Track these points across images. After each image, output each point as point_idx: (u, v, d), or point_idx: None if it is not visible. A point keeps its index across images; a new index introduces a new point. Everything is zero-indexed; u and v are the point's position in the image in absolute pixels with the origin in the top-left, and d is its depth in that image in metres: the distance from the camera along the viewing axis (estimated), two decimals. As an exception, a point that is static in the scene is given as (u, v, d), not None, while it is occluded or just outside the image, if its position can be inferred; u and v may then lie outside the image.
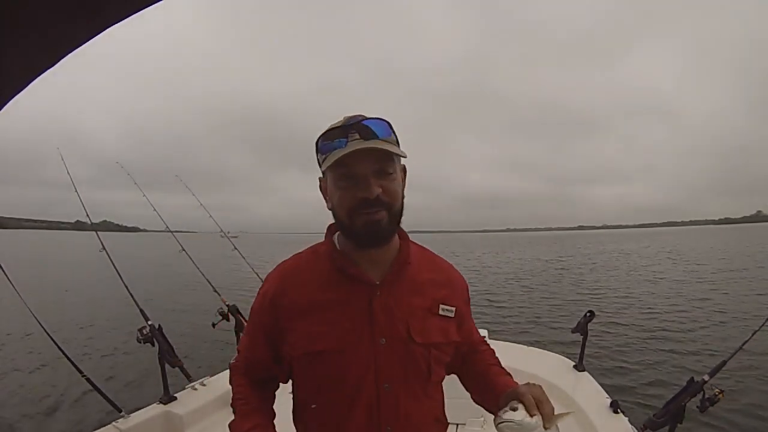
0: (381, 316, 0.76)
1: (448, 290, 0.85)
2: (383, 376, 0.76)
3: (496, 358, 0.97)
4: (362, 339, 0.75)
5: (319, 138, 0.76)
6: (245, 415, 0.84)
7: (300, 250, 0.88)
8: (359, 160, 0.71)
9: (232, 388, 0.89)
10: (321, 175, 0.81)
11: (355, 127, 0.71)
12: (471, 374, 0.93)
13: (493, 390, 0.83)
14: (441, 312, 0.81)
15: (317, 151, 0.77)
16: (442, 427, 0.89)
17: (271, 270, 0.87)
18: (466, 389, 0.95)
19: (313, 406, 0.80)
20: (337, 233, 0.83)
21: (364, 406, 0.76)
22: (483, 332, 2.46)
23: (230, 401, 2.42)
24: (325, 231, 0.86)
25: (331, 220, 0.81)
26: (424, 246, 0.89)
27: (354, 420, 0.76)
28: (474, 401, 0.92)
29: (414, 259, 0.82)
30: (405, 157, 0.76)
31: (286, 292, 0.80)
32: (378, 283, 0.77)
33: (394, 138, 0.75)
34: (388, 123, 0.74)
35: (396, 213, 0.75)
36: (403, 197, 0.77)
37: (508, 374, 0.91)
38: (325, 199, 0.81)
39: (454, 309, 0.83)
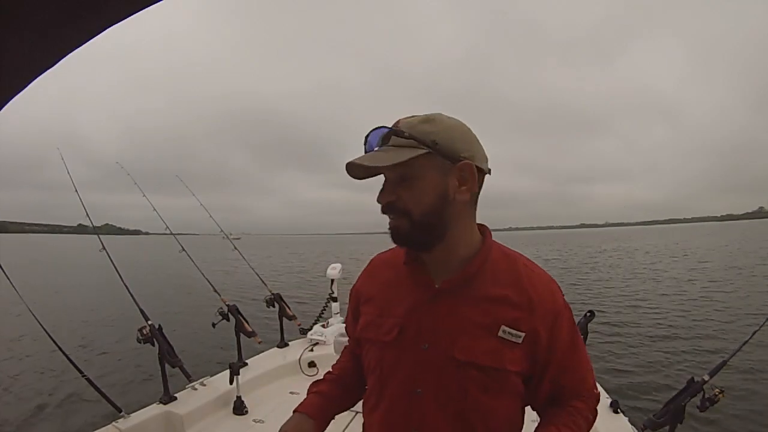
0: (429, 321, 0.74)
1: (522, 313, 0.73)
2: (418, 380, 0.74)
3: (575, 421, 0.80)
4: (405, 338, 0.75)
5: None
6: (320, 382, 0.94)
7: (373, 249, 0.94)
8: (382, 168, 0.72)
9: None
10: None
11: (366, 138, 0.74)
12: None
13: None
14: (501, 334, 0.72)
15: None
16: None
17: (372, 260, 0.94)
18: None
19: (368, 386, 0.85)
20: None
21: (391, 401, 0.77)
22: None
23: (232, 401, 2.41)
24: None
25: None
26: (524, 256, 0.81)
27: (381, 410, 0.79)
28: None
29: (490, 269, 0.75)
30: (384, 164, 0.69)
31: (365, 281, 0.89)
32: (437, 287, 0.75)
33: (408, 140, 0.69)
34: (390, 128, 0.72)
35: (419, 220, 0.71)
36: (450, 200, 0.71)
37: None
38: None
39: (523, 335, 0.72)
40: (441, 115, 0.71)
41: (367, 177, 0.74)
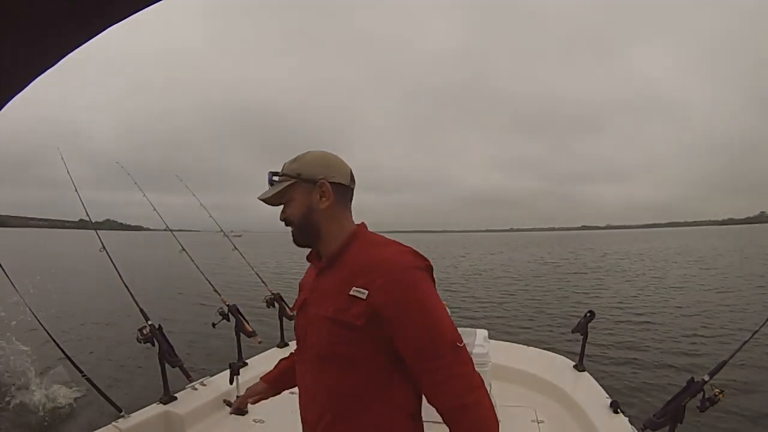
0: (315, 290, 1.01)
1: (369, 277, 0.92)
2: (308, 337, 1.01)
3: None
4: (306, 307, 1.03)
5: None
6: (285, 358, 1.23)
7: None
8: (270, 198, 1.02)
9: None
10: None
11: (269, 176, 1.03)
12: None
13: None
14: (352, 292, 0.92)
15: None
16: (336, 401, 0.96)
17: None
18: None
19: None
20: None
21: (300, 357, 1.05)
22: (483, 332, 2.47)
23: (232, 401, 2.40)
24: None
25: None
26: (392, 240, 1.01)
27: (297, 366, 1.07)
28: None
29: (352, 251, 0.99)
30: (262, 198, 1.02)
31: (304, 277, 1.13)
32: (320, 267, 1.03)
33: (284, 176, 1.01)
34: (274, 173, 1.03)
35: (299, 227, 1.01)
36: (315, 209, 0.99)
37: None
38: None
39: (367, 292, 0.90)
40: (308, 153, 1.02)
41: (275, 204, 1.03)
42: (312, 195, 0.99)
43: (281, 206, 1.04)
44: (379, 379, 0.93)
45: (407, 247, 0.98)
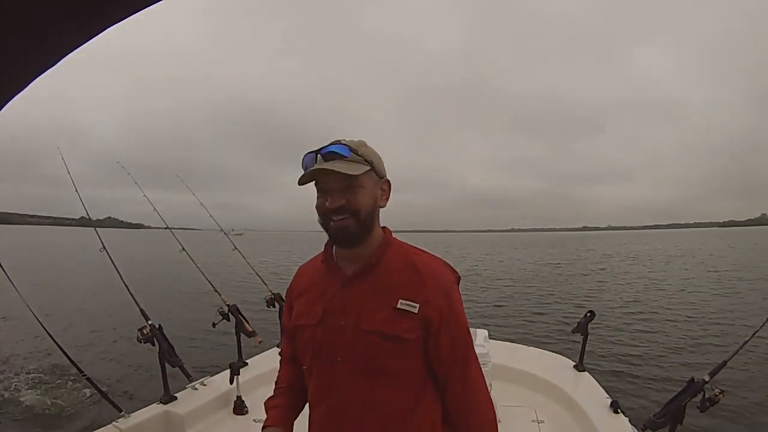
0: (344, 302, 0.92)
1: (416, 288, 0.91)
2: (336, 351, 0.92)
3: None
4: (328, 319, 0.93)
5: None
6: (273, 397, 1.10)
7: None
8: (328, 178, 0.89)
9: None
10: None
11: (322, 150, 0.90)
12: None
13: None
14: (399, 306, 0.89)
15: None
16: (392, 420, 0.91)
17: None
18: None
19: (305, 367, 1.00)
20: None
21: (319, 372, 0.96)
22: (483, 332, 2.46)
23: (232, 401, 2.41)
24: None
25: None
26: (420, 248, 0.99)
27: (314, 381, 0.97)
28: None
29: (388, 260, 0.94)
30: (352, 173, 0.88)
31: (296, 282, 1.06)
32: (348, 275, 0.94)
33: (359, 158, 0.90)
34: (349, 146, 0.90)
35: (363, 219, 0.90)
36: (377, 206, 0.94)
37: None
38: None
39: (417, 305, 0.89)
40: (365, 143, 0.94)
41: (311, 181, 0.91)
42: (376, 189, 0.94)
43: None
44: (419, 391, 0.93)
45: (438, 257, 0.99)
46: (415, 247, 0.99)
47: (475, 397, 0.96)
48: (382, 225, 0.98)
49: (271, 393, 1.12)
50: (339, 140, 0.92)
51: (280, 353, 1.16)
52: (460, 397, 0.94)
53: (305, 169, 0.91)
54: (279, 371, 1.14)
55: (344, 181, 0.88)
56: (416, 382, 0.92)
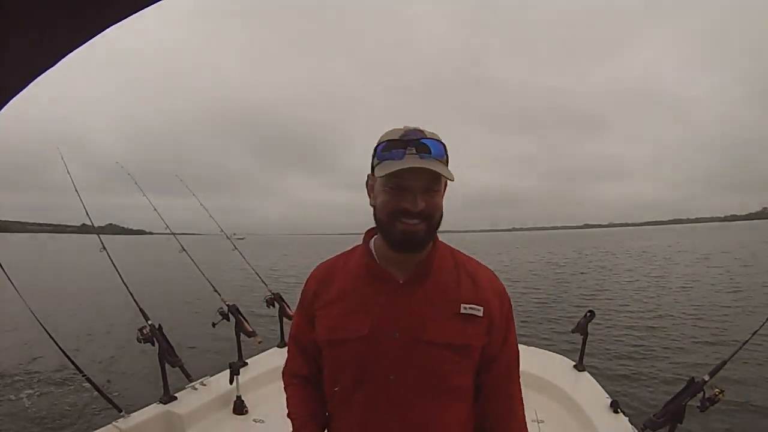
0: (401, 312, 0.81)
1: (475, 291, 0.85)
2: (391, 368, 0.81)
3: None
4: (379, 331, 0.81)
5: (380, 143, 0.81)
6: (307, 400, 0.94)
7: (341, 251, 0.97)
8: (412, 175, 0.77)
9: (286, 399, 0.97)
10: (370, 173, 0.85)
11: (414, 143, 0.77)
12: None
13: None
14: (463, 310, 0.82)
15: (374, 153, 0.83)
16: None
17: (315, 267, 0.96)
18: None
19: (336, 389, 0.87)
20: (375, 237, 0.90)
21: (367, 393, 0.82)
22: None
23: (232, 401, 2.40)
24: (364, 235, 0.93)
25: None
26: (466, 254, 0.93)
27: (358, 404, 0.83)
28: None
29: (441, 264, 0.86)
30: (452, 180, 0.79)
31: (318, 288, 0.90)
32: (401, 282, 0.83)
33: (446, 158, 0.80)
34: (443, 144, 0.80)
35: (434, 225, 0.81)
36: (441, 210, 0.84)
37: None
38: (369, 195, 0.87)
39: (481, 308, 0.83)
40: None
41: (423, 189, 0.79)
42: (444, 191, 0.84)
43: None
44: (470, 406, 0.87)
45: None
46: (456, 249, 0.93)
47: (515, 420, 0.89)
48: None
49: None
50: (420, 129, 0.80)
51: (284, 373, 0.99)
52: (501, 418, 0.88)
53: (385, 159, 0.78)
54: (290, 398, 0.96)
55: (430, 183, 0.79)
56: (470, 396, 0.86)
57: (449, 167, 0.81)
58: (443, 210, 0.83)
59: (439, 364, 0.80)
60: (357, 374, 0.82)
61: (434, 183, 0.79)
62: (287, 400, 0.96)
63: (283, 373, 1.01)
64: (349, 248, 0.96)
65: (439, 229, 0.84)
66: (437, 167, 0.76)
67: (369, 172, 0.86)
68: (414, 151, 0.77)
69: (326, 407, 0.93)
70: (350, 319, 0.83)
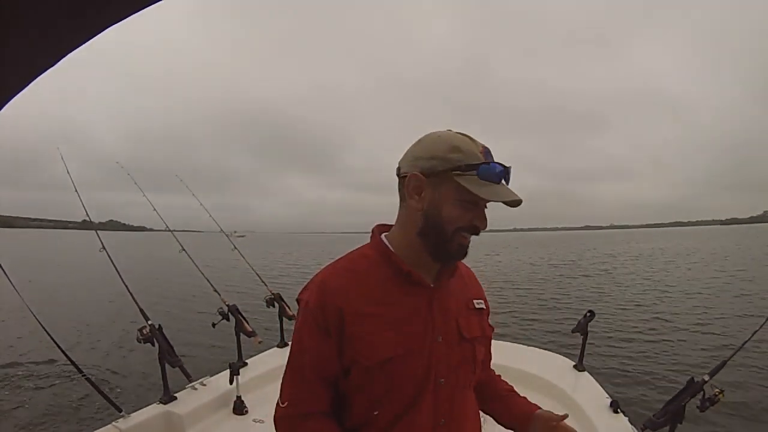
0: (438, 316, 0.82)
1: (473, 287, 0.94)
2: (439, 372, 0.81)
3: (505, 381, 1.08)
4: (424, 339, 0.80)
5: (478, 163, 0.77)
6: None
7: (345, 254, 0.88)
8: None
9: None
10: (418, 173, 0.79)
11: (508, 171, 0.79)
12: (486, 388, 1.01)
13: (513, 410, 0.98)
14: (476, 306, 0.90)
15: (460, 163, 0.77)
16: (479, 421, 0.94)
17: (322, 275, 0.84)
18: (479, 402, 0.99)
19: (376, 413, 0.79)
20: (385, 234, 0.87)
21: (423, 403, 0.80)
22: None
23: (232, 401, 2.38)
24: (372, 233, 0.89)
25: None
26: None
27: (415, 417, 0.79)
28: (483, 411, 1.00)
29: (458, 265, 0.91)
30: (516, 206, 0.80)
31: (349, 297, 0.79)
32: (432, 286, 0.84)
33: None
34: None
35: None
36: None
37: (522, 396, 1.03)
38: (410, 195, 0.80)
39: (482, 300, 0.93)
40: None
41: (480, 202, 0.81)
42: None
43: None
44: None
45: None
46: None
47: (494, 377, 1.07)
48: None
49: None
50: (488, 148, 0.80)
51: (286, 415, 0.81)
52: (488, 378, 1.04)
53: (487, 178, 0.77)
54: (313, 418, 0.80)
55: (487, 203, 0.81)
56: None
57: None
58: None
59: (473, 358, 0.86)
60: (414, 388, 0.78)
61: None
62: None
63: (281, 416, 0.82)
64: (356, 249, 0.89)
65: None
66: (518, 196, 0.78)
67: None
68: (508, 178, 0.79)
69: None
70: (398, 332, 0.78)
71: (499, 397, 1.01)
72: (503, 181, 0.78)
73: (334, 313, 0.77)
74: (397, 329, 0.78)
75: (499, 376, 1.08)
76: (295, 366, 0.82)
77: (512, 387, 1.05)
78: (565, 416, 0.90)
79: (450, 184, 0.77)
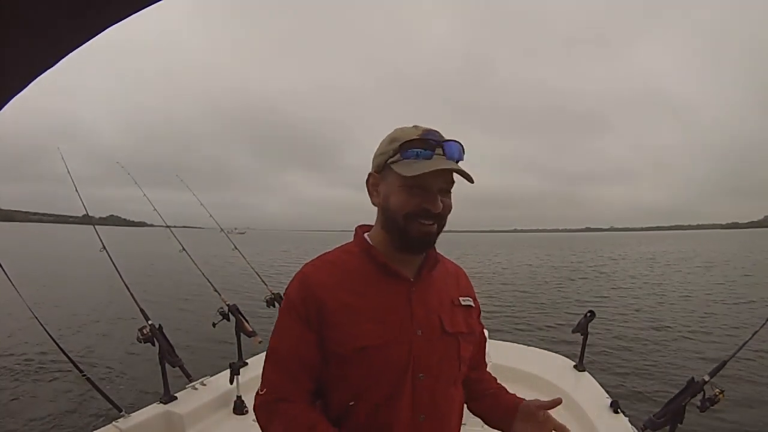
0: (418, 309, 0.82)
1: (460, 284, 0.94)
2: (419, 366, 0.80)
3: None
4: (403, 332, 0.80)
5: (397, 140, 0.80)
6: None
7: (327, 250, 0.90)
8: (434, 176, 0.77)
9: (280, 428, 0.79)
10: (373, 171, 0.85)
11: (441, 145, 0.79)
12: (477, 388, 1.00)
13: (501, 405, 0.95)
14: (463, 303, 0.89)
15: (390, 151, 0.81)
16: (462, 415, 0.94)
17: (305, 268, 0.86)
18: (469, 401, 0.99)
19: (351, 403, 0.80)
20: (367, 233, 0.89)
21: (402, 396, 0.79)
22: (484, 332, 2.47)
23: (232, 401, 2.39)
24: (355, 231, 0.92)
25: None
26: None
27: (393, 410, 0.79)
28: (471, 411, 1.00)
29: (440, 260, 0.92)
30: (472, 183, 0.78)
31: (329, 289, 0.81)
32: (412, 279, 0.84)
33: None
34: (463, 147, 0.81)
35: (443, 226, 0.83)
36: None
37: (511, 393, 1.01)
38: (371, 193, 0.86)
39: (471, 298, 0.92)
40: None
41: (445, 187, 0.80)
42: None
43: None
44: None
45: None
46: None
47: (486, 373, 1.06)
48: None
49: None
50: (436, 131, 0.80)
51: (264, 402, 0.81)
52: (479, 373, 1.02)
53: (411, 157, 0.78)
54: (293, 419, 0.78)
55: (448, 185, 0.80)
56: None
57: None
58: None
59: (457, 354, 0.85)
60: (392, 380, 0.78)
61: (451, 184, 0.81)
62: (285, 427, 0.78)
63: (260, 403, 0.81)
64: (340, 245, 0.91)
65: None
66: (466, 171, 0.78)
67: (367, 170, 0.86)
68: (441, 152, 0.78)
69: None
70: (375, 323, 0.79)
71: (487, 395, 0.99)
72: (440, 156, 0.77)
73: (315, 305, 0.79)
74: (374, 320, 0.79)
75: (495, 378, 1.05)
76: (276, 356, 0.83)
77: (506, 389, 1.01)
78: (558, 402, 0.86)
79: (391, 174, 0.80)
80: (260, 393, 0.82)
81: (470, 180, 0.78)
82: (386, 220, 0.83)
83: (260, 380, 0.83)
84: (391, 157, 0.80)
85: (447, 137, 0.81)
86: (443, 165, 0.76)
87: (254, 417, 0.83)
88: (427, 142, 0.78)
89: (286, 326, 0.82)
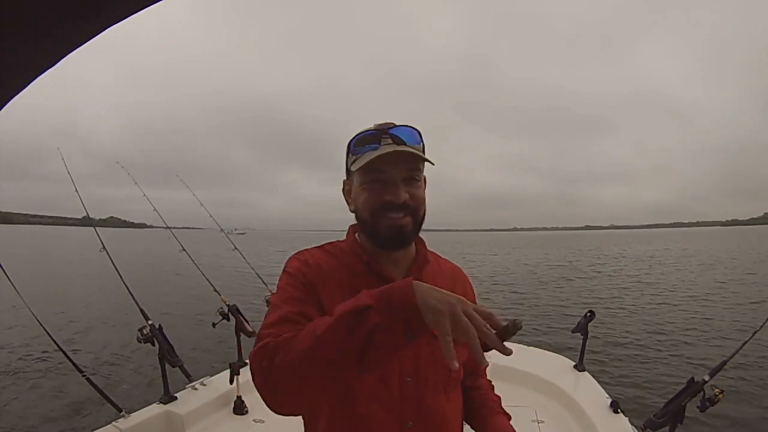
0: None
1: (455, 283, 0.90)
2: (405, 369, 0.77)
3: (496, 394, 1.00)
4: None
5: (351, 141, 0.81)
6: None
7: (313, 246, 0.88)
8: (390, 165, 0.76)
9: (284, 346, 0.66)
10: (345, 178, 0.86)
11: (388, 133, 0.77)
12: (469, 399, 0.95)
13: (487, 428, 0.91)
14: None
15: (348, 153, 0.82)
16: (461, 426, 0.90)
17: (297, 254, 0.84)
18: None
19: (334, 408, 0.78)
20: (358, 233, 0.88)
21: (386, 399, 0.76)
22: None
23: (232, 401, 2.39)
24: (348, 230, 0.90)
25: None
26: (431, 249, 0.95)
27: (376, 414, 0.76)
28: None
29: (431, 260, 0.88)
30: (433, 164, 0.78)
31: (325, 273, 0.79)
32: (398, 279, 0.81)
33: (422, 146, 0.80)
34: (418, 131, 0.79)
35: (420, 219, 0.80)
36: (425, 203, 0.82)
37: (506, 413, 0.95)
38: (347, 201, 0.86)
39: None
40: None
41: (409, 176, 0.77)
42: (425, 186, 0.83)
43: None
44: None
45: None
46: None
47: (484, 377, 1.03)
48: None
49: None
50: (391, 123, 0.79)
51: (265, 335, 0.70)
52: (477, 380, 1.00)
53: (361, 153, 0.77)
54: (293, 337, 0.67)
55: (410, 172, 0.77)
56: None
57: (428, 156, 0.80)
58: (425, 207, 0.81)
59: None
60: (376, 384, 0.76)
61: (415, 172, 0.78)
62: (289, 343, 0.65)
63: (260, 348, 0.68)
64: (336, 240, 0.90)
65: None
66: (416, 151, 0.76)
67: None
68: (390, 140, 0.76)
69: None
70: None
71: (478, 417, 0.93)
72: (388, 144, 0.76)
73: (312, 282, 0.78)
74: None
75: (492, 387, 1.01)
76: (277, 308, 0.75)
77: (498, 403, 0.96)
78: None
79: (353, 176, 0.81)
80: (259, 343, 0.70)
81: (426, 160, 0.77)
82: (359, 222, 0.83)
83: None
84: (349, 159, 0.81)
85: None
86: (389, 149, 0.74)
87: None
88: (374, 134, 0.77)
89: (289, 288, 0.78)
